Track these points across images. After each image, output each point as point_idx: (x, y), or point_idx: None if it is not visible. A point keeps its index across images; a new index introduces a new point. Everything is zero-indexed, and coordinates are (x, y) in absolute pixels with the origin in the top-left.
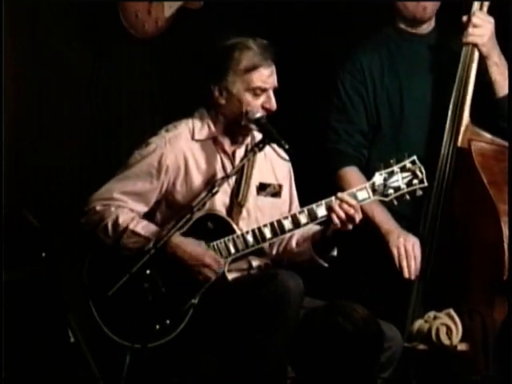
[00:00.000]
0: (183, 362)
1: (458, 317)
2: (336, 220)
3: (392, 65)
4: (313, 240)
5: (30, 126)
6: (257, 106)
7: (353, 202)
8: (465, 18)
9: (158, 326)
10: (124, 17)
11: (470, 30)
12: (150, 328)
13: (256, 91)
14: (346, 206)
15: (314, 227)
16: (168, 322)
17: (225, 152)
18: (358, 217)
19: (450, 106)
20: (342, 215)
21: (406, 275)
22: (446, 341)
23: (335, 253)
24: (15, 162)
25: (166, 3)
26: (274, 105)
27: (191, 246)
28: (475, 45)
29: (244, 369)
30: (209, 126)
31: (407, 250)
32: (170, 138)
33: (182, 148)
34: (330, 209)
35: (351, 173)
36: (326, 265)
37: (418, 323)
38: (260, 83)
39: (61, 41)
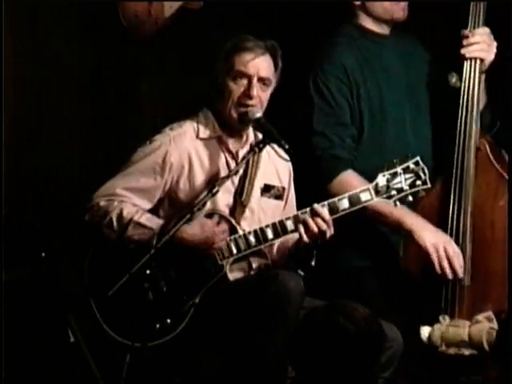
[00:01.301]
0: (184, 362)
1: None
2: (304, 236)
3: (369, 67)
4: (289, 250)
5: (30, 126)
6: (238, 93)
7: (327, 216)
8: (467, 33)
9: (158, 325)
10: (124, 17)
11: (481, 45)
12: (150, 327)
13: (237, 76)
14: (319, 221)
15: (294, 236)
16: (168, 321)
17: (229, 151)
18: (330, 233)
19: (460, 106)
20: (315, 229)
21: (450, 276)
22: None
23: (313, 263)
24: (15, 162)
25: (165, 3)
26: (253, 93)
27: (197, 230)
28: (481, 59)
29: (244, 368)
30: (213, 125)
31: (447, 250)
32: (175, 136)
33: (187, 146)
34: (303, 222)
35: (353, 176)
36: (302, 274)
37: (441, 328)
38: (241, 67)
39: (61, 41)
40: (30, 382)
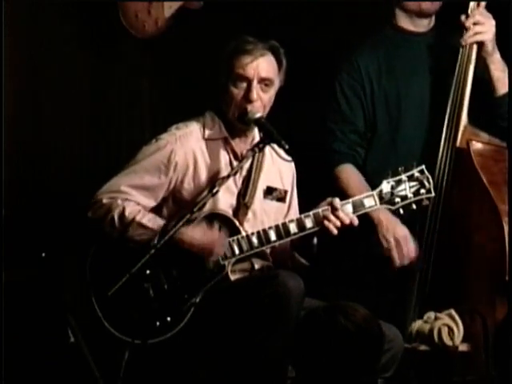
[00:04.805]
0: (184, 361)
1: (459, 317)
2: (334, 230)
3: (389, 65)
4: (292, 242)
5: (30, 126)
6: (239, 96)
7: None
8: (463, 18)
9: (158, 323)
10: (124, 17)
11: (475, 28)
12: (150, 324)
13: (237, 79)
14: (342, 215)
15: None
16: (169, 319)
17: (234, 153)
18: (355, 223)
19: (448, 107)
20: (338, 224)
21: (397, 264)
22: (448, 342)
23: (315, 250)
24: (15, 161)
25: (165, 3)
26: (253, 96)
27: (197, 235)
28: (481, 43)
29: (244, 369)
30: (219, 126)
31: (398, 243)
32: (181, 136)
33: (192, 146)
34: (324, 218)
35: (347, 170)
36: (307, 264)
37: (418, 324)
38: (240, 70)
39: (61, 41)
40: (29, 382)
